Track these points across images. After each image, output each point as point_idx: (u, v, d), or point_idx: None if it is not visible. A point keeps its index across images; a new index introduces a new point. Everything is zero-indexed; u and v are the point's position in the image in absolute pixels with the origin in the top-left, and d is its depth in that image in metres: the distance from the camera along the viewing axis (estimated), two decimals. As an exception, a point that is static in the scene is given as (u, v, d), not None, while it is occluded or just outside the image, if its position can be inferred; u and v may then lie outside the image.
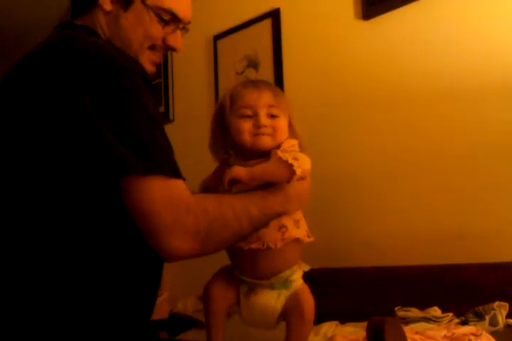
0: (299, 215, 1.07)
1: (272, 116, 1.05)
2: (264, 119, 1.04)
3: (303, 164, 0.98)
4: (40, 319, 0.86)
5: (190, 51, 2.49)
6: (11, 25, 3.17)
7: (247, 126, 1.05)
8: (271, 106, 1.05)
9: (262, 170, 1.00)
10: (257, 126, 1.04)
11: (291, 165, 0.96)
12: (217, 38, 2.43)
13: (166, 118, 2.59)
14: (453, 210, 1.64)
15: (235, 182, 1.00)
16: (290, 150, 1.02)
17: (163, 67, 2.63)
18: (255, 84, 1.09)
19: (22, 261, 0.87)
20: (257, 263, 1.04)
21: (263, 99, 1.05)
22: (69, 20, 1.12)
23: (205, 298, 1.09)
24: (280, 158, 0.98)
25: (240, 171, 0.99)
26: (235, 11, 2.38)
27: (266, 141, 1.04)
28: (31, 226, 0.88)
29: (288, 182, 0.99)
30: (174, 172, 0.89)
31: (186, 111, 2.57)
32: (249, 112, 1.05)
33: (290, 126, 1.09)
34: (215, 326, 1.07)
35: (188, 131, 2.45)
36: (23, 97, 0.91)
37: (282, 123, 1.06)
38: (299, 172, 0.97)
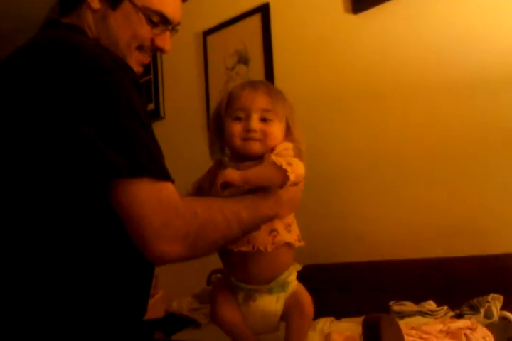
0: (290, 219, 1.06)
1: (266, 121, 1.04)
2: (254, 123, 1.03)
3: (296, 169, 0.97)
4: (32, 321, 0.85)
5: (179, 47, 2.48)
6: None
7: (238, 129, 1.04)
8: (265, 110, 1.04)
9: (255, 174, 0.98)
10: (247, 129, 1.03)
11: (285, 171, 0.95)
12: (207, 33, 2.42)
13: (157, 115, 2.57)
14: (446, 204, 1.64)
15: (228, 185, 0.99)
16: (284, 154, 1.01)
17: (153, 64, 2.61)
18: (253, 85, 1.07)
19: (11, 264, 0.86)
20: (249, 268, 1.03)
21: (258, 103, 1.04)
22: (56, 18, 1.10)
23: (221, 322, 1.07)
24: (274, 162, 0.97)
25: (233, 175, 0.98)
26: (224, 7, 2.37)
27: (255, 147, 1.03)
28: (21, 230, 0.87)
29: (281, 187, 0.98)
30: (163, 175, 0.88)
31: (177, 107, 2.55)
32: (242, 115, 1.04)
33: (288, 130, 1.07)
34: None
35: (179, 127, 2.44)
36: (9, 100, 0.89)
37: (275, 128, 1.04)
38: (292, 177, 0.95)
